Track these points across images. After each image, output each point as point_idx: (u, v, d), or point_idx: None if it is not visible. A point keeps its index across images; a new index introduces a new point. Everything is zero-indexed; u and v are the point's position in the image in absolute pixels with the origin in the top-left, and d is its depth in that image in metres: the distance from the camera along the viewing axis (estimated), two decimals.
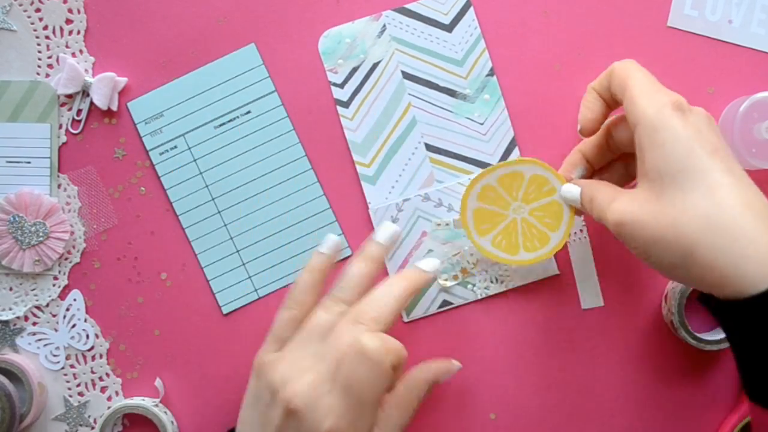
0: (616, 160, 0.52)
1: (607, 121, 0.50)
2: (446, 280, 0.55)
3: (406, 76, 0.56)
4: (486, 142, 0.56)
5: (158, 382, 0.56)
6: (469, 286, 0.55)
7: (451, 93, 0.56)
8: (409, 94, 0.55)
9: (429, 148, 0.56)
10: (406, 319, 0.56)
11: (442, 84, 0.56)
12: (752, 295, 0.38)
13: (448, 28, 0.55)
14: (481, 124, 0.56)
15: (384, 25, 0.55)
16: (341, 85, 0.56)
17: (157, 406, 0.55)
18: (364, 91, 0.55)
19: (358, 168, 0.56)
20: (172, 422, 0.55)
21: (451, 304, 0.56)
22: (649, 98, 0.44)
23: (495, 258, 0.52)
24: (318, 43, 0.55)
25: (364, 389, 0.44)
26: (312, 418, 0.43)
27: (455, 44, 0.55)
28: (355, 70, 0.56)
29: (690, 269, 0.41)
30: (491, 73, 0.55)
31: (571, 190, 0.49)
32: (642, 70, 0.47)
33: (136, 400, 0.55)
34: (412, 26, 0.55)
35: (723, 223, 0.40)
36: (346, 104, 0.56)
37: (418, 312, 0.56)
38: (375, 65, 0.55)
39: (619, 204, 0.44)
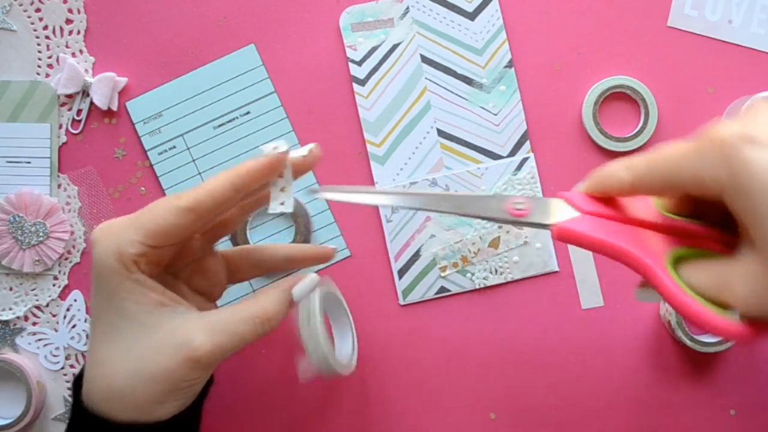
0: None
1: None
2: (446, 267, 0.55)
3: (425, 60, 0.56)
4: (498, 133, 0.55)
5: None
6: (468, 274, 0.55)
7: (467, 81, 0.56)
8: (426, 78, 0.55)
9: (441, 133, 0.56)
10: (402, 302, 0.56)
11: (459, 71, 0.55)
12: None
13: (471, 15, 0.55)
14: (495, 114, 0.55)
15: (408, 7, 0.55)
16: (359, 63, 0.56)
17: None
18: (382, 71, 0.55)
19: (369, 147, 0.56)
20: None
21: (449, 291, 0.55)
22: None
23: None
24: (339, 19, 0.55)
25: None
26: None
27: (476, 32, 0.55)
28: (374, 49, 0.56)
29: None
30: (510, 64, 0.55)
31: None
32: None
33: None
34: (435, 11, 0.55)
35: None
36: (362, 82, 0.56)
37: (414, 296, 0.56)
38: (395, 46, 0.55)
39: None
